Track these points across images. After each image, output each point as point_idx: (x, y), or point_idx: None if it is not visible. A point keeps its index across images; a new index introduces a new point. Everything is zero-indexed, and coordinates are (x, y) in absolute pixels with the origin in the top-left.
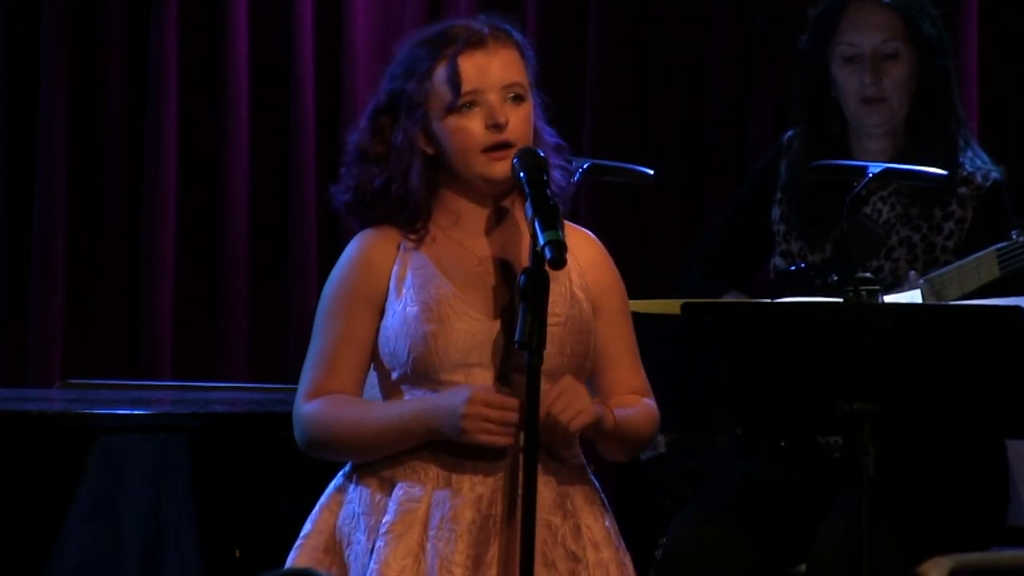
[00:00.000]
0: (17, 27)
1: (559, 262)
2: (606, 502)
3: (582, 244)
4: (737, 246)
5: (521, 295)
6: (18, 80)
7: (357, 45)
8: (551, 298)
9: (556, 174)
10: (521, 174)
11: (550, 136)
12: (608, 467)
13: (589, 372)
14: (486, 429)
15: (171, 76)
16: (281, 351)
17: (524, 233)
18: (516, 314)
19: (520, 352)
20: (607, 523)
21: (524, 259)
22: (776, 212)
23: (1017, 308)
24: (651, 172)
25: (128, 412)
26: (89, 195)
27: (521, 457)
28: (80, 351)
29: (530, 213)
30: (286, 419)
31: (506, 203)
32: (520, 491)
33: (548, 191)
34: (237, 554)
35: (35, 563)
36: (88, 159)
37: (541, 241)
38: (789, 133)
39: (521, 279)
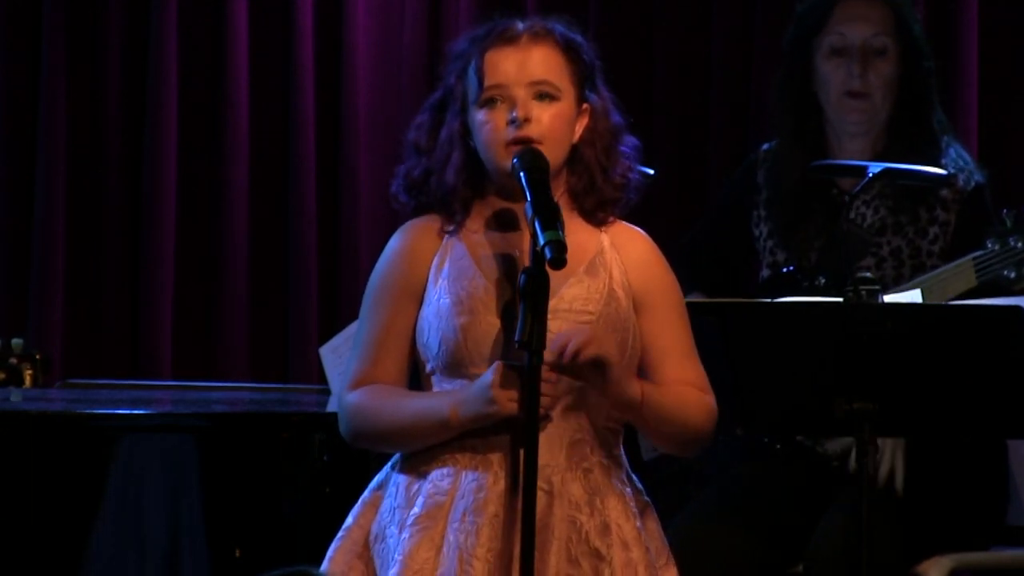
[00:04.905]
0: (17, 27)
1: (559, 262)
2: (650, 505)
3: (630, 242)
4: (711, 257)
5: (521, 295)
6: (18, 80)
7: (357, 45)
8: (584, 295)
9: (631, 182)
10: (520, 174)
11: (625, 146)
12: None
13: (635, 371)
14: (514, 398)
15: (171, 76)
16: (281, 351)
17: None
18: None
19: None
20: (638, 524)
21: None
22: (763, 229)
23: (1017, 308)
24: (651, 172)
25: (128, 412)
26: (89, 195)
27: (557, 455)
28: (80, 351)
29: (530, 213)
30: (286, 419)
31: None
32: (547, 487)
33: (548, 191)
34: (237, 554)
35: (35, 563)
36: (88, 159)
37: (541, 241)
38: (765, 146)
39: (521, 279)
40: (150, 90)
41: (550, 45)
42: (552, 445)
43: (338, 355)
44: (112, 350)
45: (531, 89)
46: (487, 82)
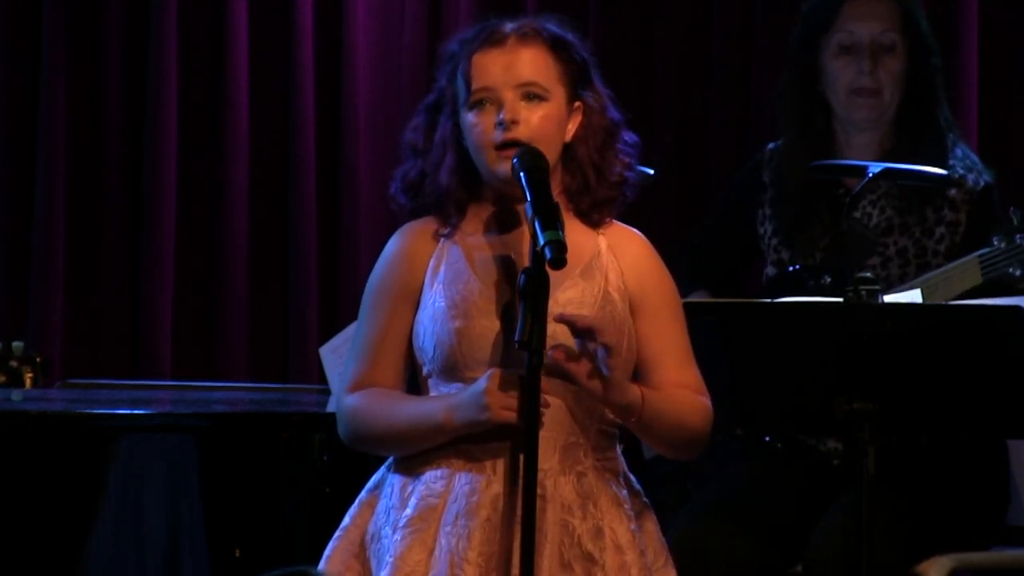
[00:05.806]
0: (17, 27)
1: (559, 262)
2: (648, 506)
3: (627, 244)
4: (716, 256)
5: (521, 295)
6: (18, 80)
7: (357, 45)
8: (579, 298)
9: (627, 180)
10: (521, 174)
11: (622, 143)
12: None
13: (630, 373)
14: (508, 406)
15: (171, 76)
16: (281, 351)
17: None
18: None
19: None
20: (633, 526)
21: None
22: (768, 227)
23: (1017, 308)
24: (651, 172)
25: (128, 412)
26: (89, 195)
27: (550, 459)
28: (80, 351)
29: (530, 213)
30: (286, 419)
31: None
32: (540, 491)
33: (548, 191)
34: (237, 554)
35: (34, 563)
36: (88, 159)
37: (541, 241)
38: (771, 145)
39: (521, 279)
40: (150, 90)
41: (538, 45)
42: (545, 449)
43: (338, 355)
44: (112, 350)
45: (518, 91)
46: (474, 84)
